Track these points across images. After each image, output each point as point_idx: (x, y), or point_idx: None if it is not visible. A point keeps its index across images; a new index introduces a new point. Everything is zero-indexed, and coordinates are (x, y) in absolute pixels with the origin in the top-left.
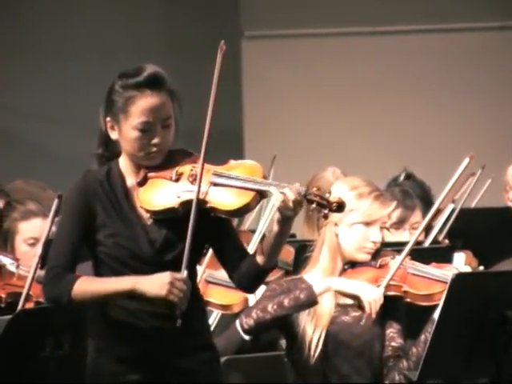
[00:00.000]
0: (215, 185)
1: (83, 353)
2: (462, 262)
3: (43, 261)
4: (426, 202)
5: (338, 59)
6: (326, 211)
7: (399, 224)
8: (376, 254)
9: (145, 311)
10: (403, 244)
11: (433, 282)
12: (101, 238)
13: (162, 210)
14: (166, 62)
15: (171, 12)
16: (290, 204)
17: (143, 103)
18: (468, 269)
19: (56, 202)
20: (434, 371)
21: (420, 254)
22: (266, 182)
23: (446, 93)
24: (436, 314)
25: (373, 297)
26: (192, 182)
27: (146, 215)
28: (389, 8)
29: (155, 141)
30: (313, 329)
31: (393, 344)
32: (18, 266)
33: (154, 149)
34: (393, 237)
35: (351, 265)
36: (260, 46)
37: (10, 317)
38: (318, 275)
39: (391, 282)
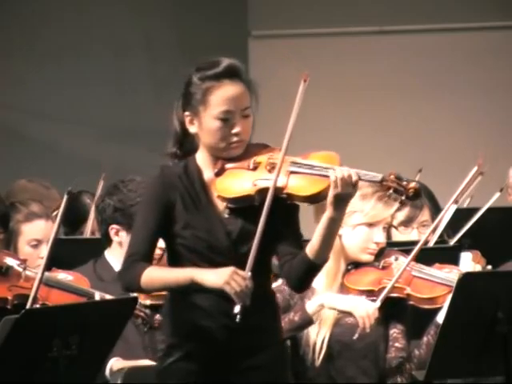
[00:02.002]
0: (293, 173)
1: (92, 353)
2: (468, 262)
3: (50, 262)
4: (431, 199)
5: (345, 59)
6: (403, 198)
7: (407, 223)
8: (379, 255)
9: (218, 310)
10: (408, 244)
11: (436, 285)
12: (179, 230)
13: (239, 197)
14: (175, 60)
15: (181, 11)
16: (344, 183)
17: (223, 92)
18: (476, 268)
19: (66, 197)
20: (441, 370)
21: (426, 254)
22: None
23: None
24: (439, 317)
25: (366, 312)
26: (270, 171)
27: (222, 208)
28: (396, 8)
29: (236, 130)
30: (317, 331)
31: (396, 345)
32: (25, 268)
33: (235, 138)
34: (401, 236)
35: (355, 265)
36: (267, 46)
37: (16, 316)
38: (322, 276)
39: (395, 285)
